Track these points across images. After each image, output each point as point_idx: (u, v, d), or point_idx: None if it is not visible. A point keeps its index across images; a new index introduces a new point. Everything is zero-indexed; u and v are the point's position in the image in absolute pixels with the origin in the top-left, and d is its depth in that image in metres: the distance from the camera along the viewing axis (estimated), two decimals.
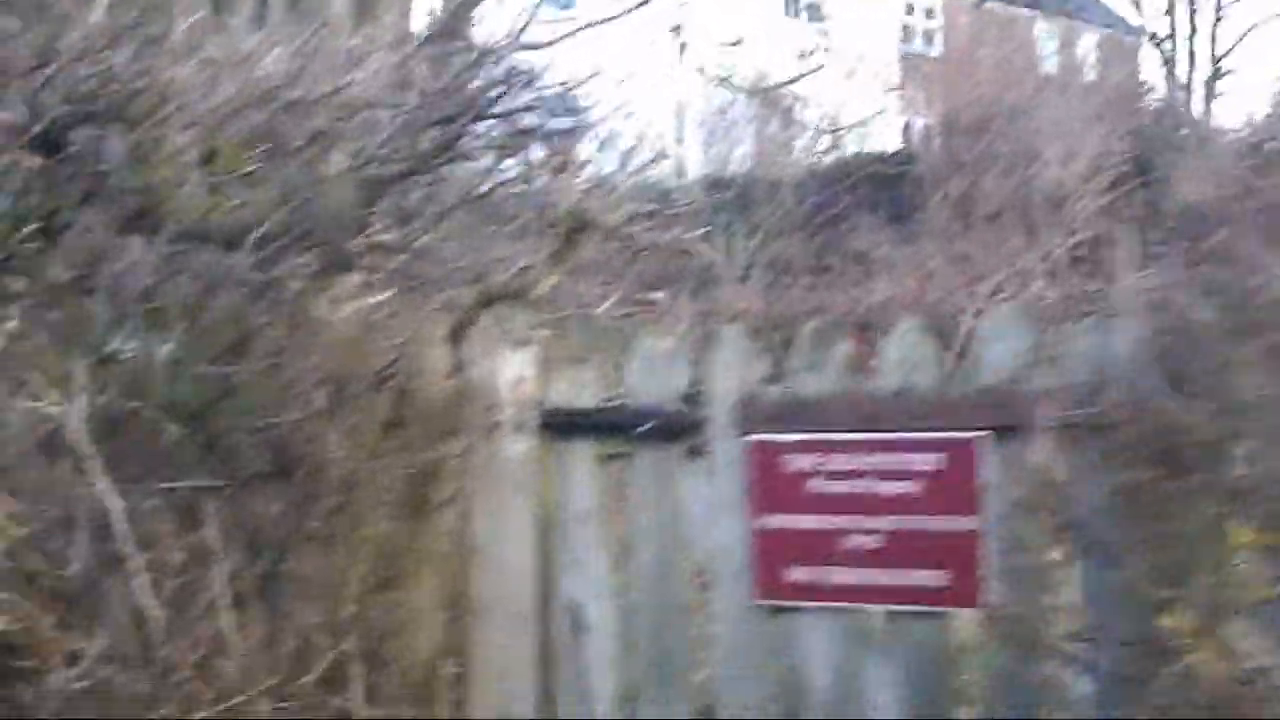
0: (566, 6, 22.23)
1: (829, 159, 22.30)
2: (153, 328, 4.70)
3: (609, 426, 5.18)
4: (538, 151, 5.68)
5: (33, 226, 4.87)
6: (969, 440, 4.57)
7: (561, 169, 5.64)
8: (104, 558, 4.64)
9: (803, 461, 4.84)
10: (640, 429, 5.07)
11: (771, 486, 4.88)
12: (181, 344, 4.68)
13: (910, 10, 36.07)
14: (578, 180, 5.67)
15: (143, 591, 4.60)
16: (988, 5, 32.59)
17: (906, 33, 35.00)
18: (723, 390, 4.98)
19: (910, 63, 32.85)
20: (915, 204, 20.42)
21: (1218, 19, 33.72)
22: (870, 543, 4.74)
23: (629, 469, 5.20)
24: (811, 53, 26.27)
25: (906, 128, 27.48)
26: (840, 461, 4.78)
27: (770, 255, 16.62)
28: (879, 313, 16.26)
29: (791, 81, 22.89)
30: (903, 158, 23.25)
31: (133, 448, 4.75)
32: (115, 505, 4.56)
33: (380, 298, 5.13)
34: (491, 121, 5.31)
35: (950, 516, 4.62)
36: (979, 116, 20.85)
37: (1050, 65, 31.13)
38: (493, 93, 5.20)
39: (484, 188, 5.39)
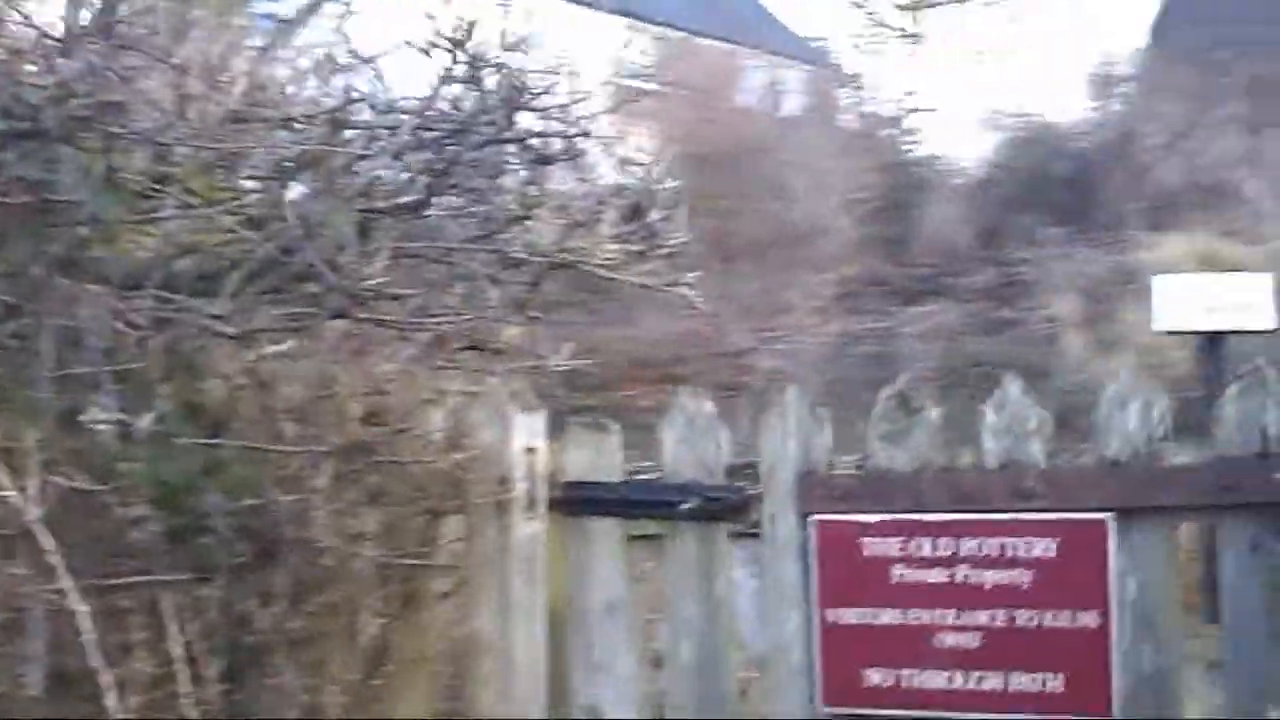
0: None
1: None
2: (128, 392, 3.82)
3: (639, 503, 4.46)
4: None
5: None
6: (1097, 522, 3.99)
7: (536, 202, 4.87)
8: (63, 672, 3.77)
9: (885, 546, 4.20)
10: (678, 507, 4.36)
11: (845, 575, 4.23)
12: (164, 412, 3.80)
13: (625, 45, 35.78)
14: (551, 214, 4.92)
15: (112, 710, 3.74)
16: (695, 40, 32.57)
17: (619, 65, 34.58)
18: (780, 462, 4.31)
19: (629, 95, 32.49)
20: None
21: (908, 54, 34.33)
22: (969, 641, 4.12)
23: (663, 553, 4.46)
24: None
25: (630, 161, 27.00)
26: (932, 546, 4.15)
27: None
28: (669, 352, 15.81)
29: None
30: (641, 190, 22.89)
31: (92, 537, 3.87)
32: (81, 609, 3.68)
33: (374, 352, 4.33)
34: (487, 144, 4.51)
35: (1071, 610, 4.02)
36: (717, 151, 20.60)
37: (758, 100, 31.29)
38: (499, 109, 4.41)
39: (473, 222, 4.60)
